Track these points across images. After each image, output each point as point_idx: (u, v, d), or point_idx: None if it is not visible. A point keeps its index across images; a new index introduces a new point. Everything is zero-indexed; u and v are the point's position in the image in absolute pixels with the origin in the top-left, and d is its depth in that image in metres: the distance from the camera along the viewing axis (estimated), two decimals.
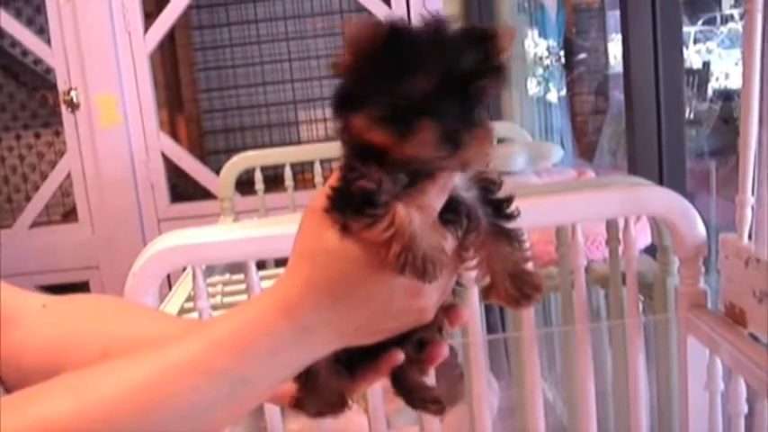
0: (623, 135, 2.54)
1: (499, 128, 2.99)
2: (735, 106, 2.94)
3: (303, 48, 4.44)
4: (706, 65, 3.35)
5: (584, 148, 3.94)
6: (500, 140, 2.94)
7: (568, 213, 1.54)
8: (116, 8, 3.66)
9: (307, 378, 0.74)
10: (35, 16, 4.14)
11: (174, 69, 4.55)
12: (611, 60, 3.71)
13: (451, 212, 0.69)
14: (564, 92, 3.93)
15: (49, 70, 4.03)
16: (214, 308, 1.72)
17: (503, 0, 3.78)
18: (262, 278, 1.56)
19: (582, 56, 4.08)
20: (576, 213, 1.55)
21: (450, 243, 0.69)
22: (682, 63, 2.18)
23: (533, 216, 1.46)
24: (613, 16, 3.50)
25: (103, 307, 0.92)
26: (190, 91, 4.59)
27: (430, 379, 0.82)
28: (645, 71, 2.09)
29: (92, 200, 3.81)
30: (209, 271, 2.43)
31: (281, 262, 2.05)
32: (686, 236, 1.50)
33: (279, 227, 1.44)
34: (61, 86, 3.72)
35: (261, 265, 1.91)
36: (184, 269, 1.90)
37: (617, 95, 3.41)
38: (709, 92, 3.28)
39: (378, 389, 1.56)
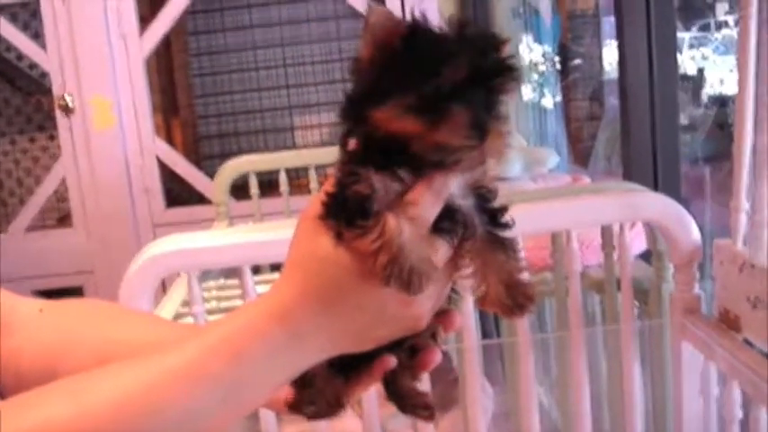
0: (618, 141, 2.54)
1: None
2: (729, 112, 2.95)
3: (298, 53, 4.44)
4: (701, 71, 3.36)
5: (580, 154, 3.95)
6: None
7: (564, 219, 1.55)
8: (111, 13, 3.65)
9: (303, 381, 0.74)
10: (31, 21, 4.13)
11: (169, 74, 4.54)
12: (606, 66, 3.72)
13: (448, 220, 0.69)
14: (559, 97, 3.94)
15: (43, 74, 4.03)
16: (209, 312, 1.72)
17: (498, 5, 3.79)
18: (257, 283, 1.56)
19: (577, 62, 4.09)
20: (571, 219, 1.55)
21: (443, 253, 0.69)
22: (676, 69, 2.19)
23: (529, 222, 1.46)
24: (608, 22, 3.51)
25: (99, 312, 0.92)
26: (185, 96, 4.59)
27: (422, 385, 0.82)
28: (639, 77, 2.09)
29: (87, 204, 3.80)
30: (205, 276, 2.43)
31: (276, 267, 2.05)
32: (681, 241, 1.50)
33: (274, 232, 1.44)
34: (56, 91, 3.72)
35: (256, 269, 1.91)
36: (179, 274, 1.90)
37: (612, 101, 3.42)
38: (704, 98, 3.29)
39: (372, 393, 1.56)
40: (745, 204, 1.40)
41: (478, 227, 0.71)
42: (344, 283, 0.66)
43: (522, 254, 1.34)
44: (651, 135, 2.11)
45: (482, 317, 1.98)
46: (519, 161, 2.66)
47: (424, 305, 0.69)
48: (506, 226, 0.72)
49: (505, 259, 0.71)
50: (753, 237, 1.37)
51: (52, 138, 4.38)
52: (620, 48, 2.17)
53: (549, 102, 3.92)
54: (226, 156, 3.74)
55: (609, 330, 1.73)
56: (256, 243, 1.46)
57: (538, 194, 1.76)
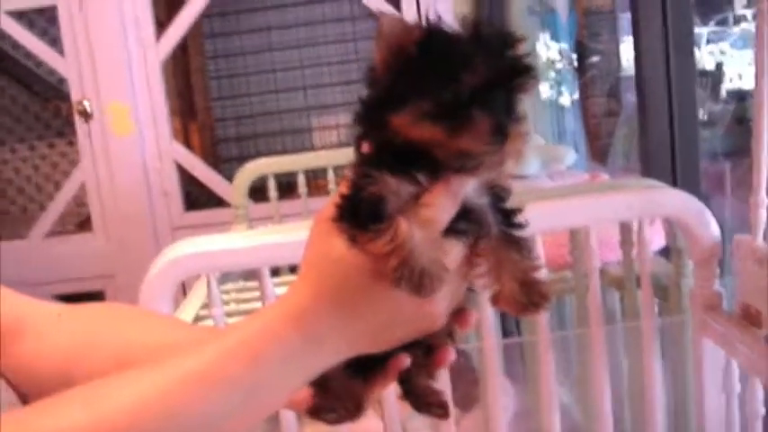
0: (636, 137, 2.53)
1: None
2: (749, 107, 2.93)
3: (315, 55, 4.45)
4: (719, 66, 3.34)
5: (598, 151, 3.94)
6: None
7: (582, 216, 1.54)
8: (128, 18, 3.67)
9: (321, 384, 0.74)
10: (48, 27, 4.16)
11: (186, 78, 4.56)
12: (624, 63, 3.71)
13: (463, 220, 0.69)
14: (576, 95, 3.93)
15: (62, 80, 4.05)
16: (229, 315, 1.73)
17: (513, 3, 3.78)
18: (276, 285, 1.57)
19: (594, 59, 4.08)
20: (589, 216, 1.54)
21: (455, 254, 0.69)
22: (693, 64, 2.18)
23: (547, 219, 1.45)
24: (625, 18, 3.50)
25: (118, 315, 0.92)
26: (202, 99, 4.61)
27: (438, 383, 0.82)
28: (656, 73, 2.09)
29: (106, 209, 3.82)
30: (224, 278, 2.43)
31: (295, 268, 2.05)
32: (700, 237, 1.49)
33: (292, 233, 1.44)
34: (74, 96, 3.74)
35: (275, 271, 1.92)
36: (199, 276, 1.90)
37: (630, 98, 3.41)
38: (723, 93, 3.28)
39: (392, 393, 1.56)
40: (764, 200, 1.39)
41: (493, 226, 0.70)
42: (358, 285, 0.66)
43: (541, 252, 1.34)
44: (669, 131, 2.10)
45: (502, 316, 1.97)
46: (537, 159, 2.66)
47: (439, 305, 0.69)
48: (520, 226, 0.72)
49: (519, 258, 0.71)
50: None
51: (71, 143, 4.41)
52: (636, 44, 2.16)
53: (566, 99, 3.91)
54: (244, 158, 3.75)
55: (629, 327, 1.72)
56: (275, 245, 1.46)
57: (556, 192, 1.76)
